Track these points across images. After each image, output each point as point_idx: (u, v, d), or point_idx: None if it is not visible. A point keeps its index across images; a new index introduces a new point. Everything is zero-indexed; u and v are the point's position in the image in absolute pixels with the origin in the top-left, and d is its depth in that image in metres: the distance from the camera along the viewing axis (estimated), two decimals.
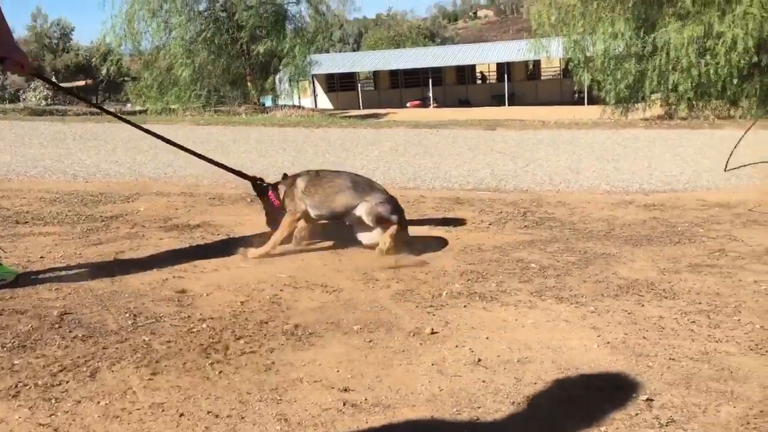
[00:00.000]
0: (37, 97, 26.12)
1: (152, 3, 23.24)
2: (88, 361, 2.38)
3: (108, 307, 2.93)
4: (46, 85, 28.41)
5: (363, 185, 3.93)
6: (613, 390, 2.29)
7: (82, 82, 34.92)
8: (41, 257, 3.72)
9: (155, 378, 2.27)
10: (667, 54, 16.03)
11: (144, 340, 2.58)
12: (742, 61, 15.23)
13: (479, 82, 43.73)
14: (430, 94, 38.56)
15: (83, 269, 3.51)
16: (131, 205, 5.32)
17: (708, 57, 15.59)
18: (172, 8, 23.63)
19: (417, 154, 9.23)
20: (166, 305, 2.99)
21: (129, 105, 29.38)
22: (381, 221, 3.80)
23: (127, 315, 2.85)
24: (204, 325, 2.74)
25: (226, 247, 3.97)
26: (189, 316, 2.85)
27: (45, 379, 2.24)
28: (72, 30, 51.82)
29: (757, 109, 15.74)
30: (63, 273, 3.44)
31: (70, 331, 2.64)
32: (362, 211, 3.81)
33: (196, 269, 3.56)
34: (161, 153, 8.75)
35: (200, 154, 4.04)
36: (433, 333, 2.71)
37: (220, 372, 2.33)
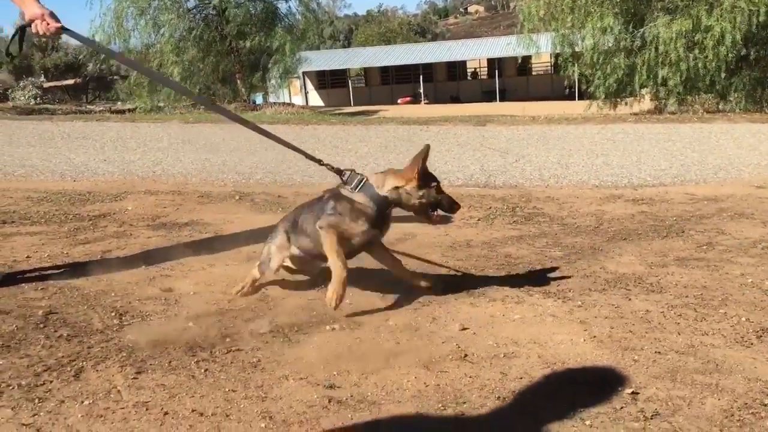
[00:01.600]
0: (26, 96, 25.95)
1: (140, 1, 23.11)
2: (72, 361, 2.37)
3: (94, 306, 2.91)
4: (35, 84, 28.25)
5: None
6: (598, 384, 2.29)
7: (71, 81, 34.67)
8: (27, 257, 3.70)
9: (140, 377, 2.26)
10: (656, 48, 16.06)
11: (129, 339, 2.57)
12: (730, 55, 15.27)
13: (470, 78, 43.74)
14: (421, 91, 38.54)
15: (70, 268, 3.49)
16: (119, 204, 5.29)
17: (696, 51, 15.63)
18: (161, 6, 23.50)
19: (407, 151, 9.20)
20: (152, 304, 2.98)
21: (119, 103, 29.22)
22: None
23: (113, 314, 2.84)
24: (190, 324, 2.73)
25: (214, 245, 3.96)
26: (175, 315, 2.84)
27: (29, 379, 2.23)
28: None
29: (745, 103, 15.81)
30: (49, 272, 3.41)
31: (55, 331, 2.62)
32: None
33: (183, 267, 3.54)
34: (150, 152, 8.72)
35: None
36: (418, 330, 2.72)
37: (206, 370, 2.32)
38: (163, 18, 23.48)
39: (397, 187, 2.86)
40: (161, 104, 21.93)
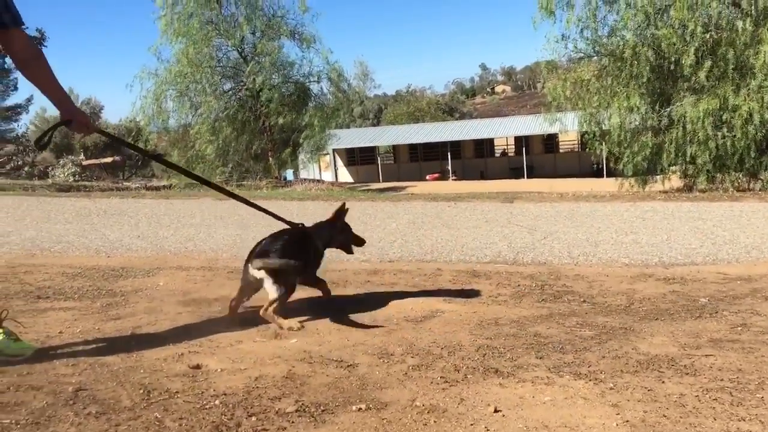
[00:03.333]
0: (65, 173, 26.86)
1: (180, 84, 24.13)
2: None
3: (123, 383, 2.93)
4: (75, 162, 29.28)
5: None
6: None
7: (109, 159, 35.89)
8: (60, 332, 3.76)
9: None
10: (684, 127, 16.17)
11: (156, 417, 2.57)
12: (758, 134, 15.29)
13: (498, 155, 44.21)
14: (449, 167, 38.99)
15: (101, 344, 3.53)
16: (151, 280, 5.38)
17: (725, 129, 15.68)
18: (199, 89, 24.51)
19: (434, 227, 9.28)
20: (180, 381, 2.99)
21: (155, 180, 30.06)
22: None
23: (141, 391, 2.85)
24: (217, 402, 2.73)
25: (243, 321, 3.98)
26: (202, 392, 2.84)
27: None
28: (101, 109, 53.95)
29: None
30: (80, 348, 3.46)
31: (84, 408, 2.64)
32: None
33: (212, 344, 3.56)
34: (183, 228, 8.90)
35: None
36: (445, 411, 2.67)
37: None
38: (200, 99, 24.44)
39: None
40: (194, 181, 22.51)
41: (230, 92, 26.04)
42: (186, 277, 5.46)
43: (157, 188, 22.52)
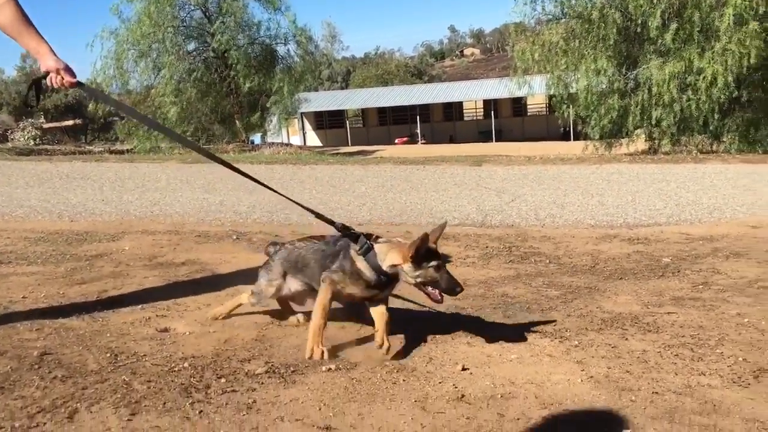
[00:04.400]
0: (26, 137, 26.15)
1: (141, 43, 23.49)
2: (66, 402, 2.34)
3: (89, 347, 2.90)
4: (35, 125, 28.48)
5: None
6: (596, 425, 2.28)
7: (70, 122, 35.02)
8: (23, 297, 3.69)
9: (134, 419, 2.24)
10: (650, 90, 16.32)
11: (124, 380, 2.55)
12: (722, 97, 15.51)
13: (469, 118, 44.21)
14: (418, 131, 38.90)
15: (66, 309, 3.48)
16: (116, 244, 5.30)
17: (689, 92, 15.88)
18: (162, 49, 23.89)
19: (404, 191, 9.28)
20: (147, 344, 2.96)
21: (118, 144, 29.44)
22: None
23: (108, 354, 2.82)
24: (185, 364, 2.71)
25: (210, 285, 3.95)
26: (170, 355, 2.83)
27: (22, 420, 2.20)
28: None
29: (739, 143, 15.99)
30: (45, 313, 3.40)
31: (50, 372, 2.61)
32: None
33: (179, 307, 3.54)
34: (148, 191, 8.76)
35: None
36: (415, 370, 2.70)
37: (201, 412, 2.30)
38: (163, 60, 23.84)
39: (394, 265, 2.86)
40: (161, 144, 22.08)
41: (194, 53, 25.46)
42: (152, 242, 5.39)
43: (121, 152, 22.07)
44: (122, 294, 3.81)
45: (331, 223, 3.07)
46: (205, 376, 2.60)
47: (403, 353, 2.91)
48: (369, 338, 3.06)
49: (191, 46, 25.52)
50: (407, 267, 2.83)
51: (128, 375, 2.60)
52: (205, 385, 2.52)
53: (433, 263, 2.84)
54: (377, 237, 3.01)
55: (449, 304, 3.65)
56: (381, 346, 2.86)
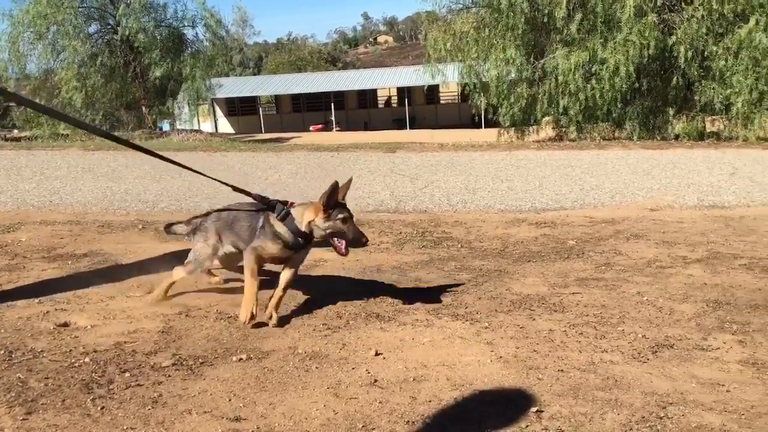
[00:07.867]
0: None
1: (38, 25, 22.15)
2: None
3: None
4: None
5: None
6: (505, 403, 2.33)
7: None
8: None
9: (30, 418, 2.12)
10: (556, 79, 16.83)
11: (19, 378, 2.40)
12: (624, 86, 16.19)
13: (382, 106, 44.34)
14: (333, 118, 38.72)
15: None
16: (12, 236, 4.99)
17: (594, 82, 16.46)
18: (61, 31, 22.61)
19: (318, 177, 9.20)
20: (45, 339, 2.81)
21: (15, 131, 27.73)
22: None
23: (2, 352, 2.65)
24: (87, 359, 2.59)
25: (114, 277, 3.78)
26: (70, 350, 2.69)
27: None
28: None
29: (639, 130, 16.77)
30: None
31: None
32: None
33: (80, 300, 3.37)
34: (47, 180, 8.31)
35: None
36: (328, 357, 2.68)
37: (103, 408, 2.20)
38: (62, 43, 22.59)
39: (310, 222, 3.09)
40: (67, 132, 20.90)
41: (96, 35, 24.25)
42: (51, 232, 5.11)
43: (18, 139, 20.81)
44: (18, 287, 3.59)
45: (247, 194, 3.29)
46: (107, 371, 2.49)
47: (315, 339, 2.88)
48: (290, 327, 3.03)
49: (93, 29, 24.29)
50: (319, 220, 3.06)
51: (24, 372, 2.46)
52: (107, 380, 2.41)
53: (342, 215, 3.08)
54: (292, 203, 3.23)
55: (362, 290, 3.65)
56: (270, 318, 3.06)
